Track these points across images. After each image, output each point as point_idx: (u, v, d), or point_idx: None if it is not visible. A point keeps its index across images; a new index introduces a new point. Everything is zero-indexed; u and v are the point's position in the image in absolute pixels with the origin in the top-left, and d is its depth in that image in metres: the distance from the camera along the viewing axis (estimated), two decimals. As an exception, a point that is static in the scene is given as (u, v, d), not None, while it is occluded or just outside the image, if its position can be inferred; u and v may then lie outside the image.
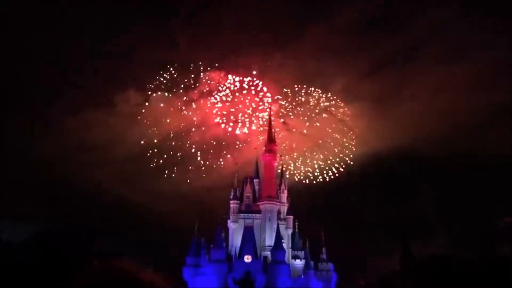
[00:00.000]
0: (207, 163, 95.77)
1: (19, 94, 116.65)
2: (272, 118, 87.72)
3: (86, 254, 61.13)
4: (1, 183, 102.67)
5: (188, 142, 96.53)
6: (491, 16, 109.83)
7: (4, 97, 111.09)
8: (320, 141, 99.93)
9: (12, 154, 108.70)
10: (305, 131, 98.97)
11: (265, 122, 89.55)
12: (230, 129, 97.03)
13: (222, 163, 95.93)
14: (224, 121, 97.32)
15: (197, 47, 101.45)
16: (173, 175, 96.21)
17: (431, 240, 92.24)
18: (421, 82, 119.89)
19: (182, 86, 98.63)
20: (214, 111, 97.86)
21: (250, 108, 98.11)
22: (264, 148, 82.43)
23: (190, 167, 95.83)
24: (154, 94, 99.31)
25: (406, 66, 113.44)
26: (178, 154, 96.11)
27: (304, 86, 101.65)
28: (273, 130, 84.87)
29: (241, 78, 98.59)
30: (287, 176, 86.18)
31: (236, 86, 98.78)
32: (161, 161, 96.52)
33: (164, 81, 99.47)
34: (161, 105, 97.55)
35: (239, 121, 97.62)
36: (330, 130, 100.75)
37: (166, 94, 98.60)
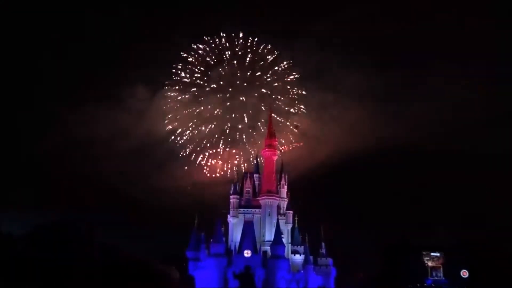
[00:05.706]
0: (210, 159, 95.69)
1: (23, 86, 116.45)
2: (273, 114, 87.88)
3: (87, 247, 61.39)
4: (3, 175, 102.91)
5: (191, 137, 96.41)
6: (499, 16, 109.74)
7: (8, 90, 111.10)
8: (320, 137, 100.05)
9: (14, 146, 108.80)
10: (305, 125, 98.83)
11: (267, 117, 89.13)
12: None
13: (220, 159, 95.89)
14: (227, 117, 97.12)
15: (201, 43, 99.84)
16: (175, 170, 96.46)
17: (431, 234, 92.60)
18: (427, 80, 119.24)
19: (188, 82, 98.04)
20: (217, 107, 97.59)
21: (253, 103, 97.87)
22: (264, 143, 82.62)
23: (191, 162, 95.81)
24: (162, 90, 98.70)
25: (413, 65, 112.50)
26: (178, 148, 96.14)
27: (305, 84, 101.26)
28: (273, 125, 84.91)
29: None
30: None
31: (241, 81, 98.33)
32: (163, 156, 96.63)
33: (171, 78, 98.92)
34: (168, 100, 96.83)
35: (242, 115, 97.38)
36: (331, 126, 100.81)
37: (174, 90, 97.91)
